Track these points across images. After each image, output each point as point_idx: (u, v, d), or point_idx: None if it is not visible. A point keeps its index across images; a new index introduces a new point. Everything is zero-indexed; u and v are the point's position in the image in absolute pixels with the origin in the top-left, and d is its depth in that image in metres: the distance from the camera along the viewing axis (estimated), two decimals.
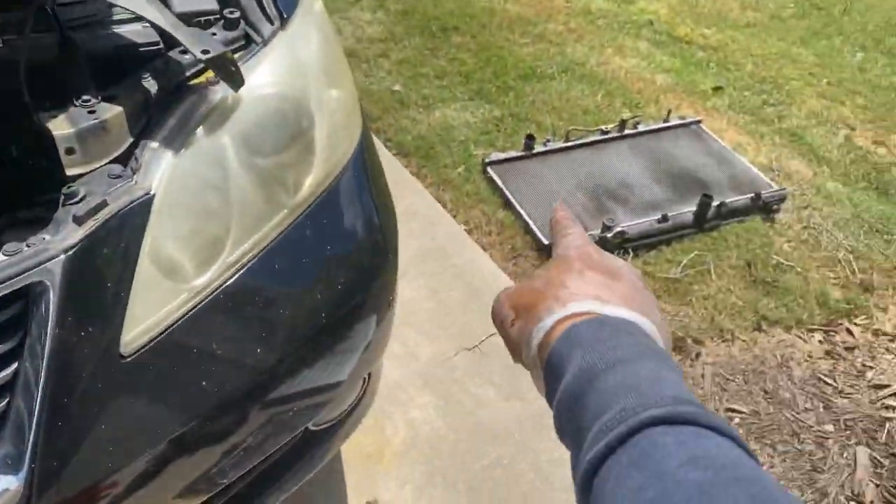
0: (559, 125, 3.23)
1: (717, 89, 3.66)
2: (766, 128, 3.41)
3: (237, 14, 1.13)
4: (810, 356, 2.32)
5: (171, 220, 0.95)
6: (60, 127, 0.92)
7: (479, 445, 1.94)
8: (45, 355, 0.80)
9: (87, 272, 0.85)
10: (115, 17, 1.16)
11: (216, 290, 0.98)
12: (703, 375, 2.23)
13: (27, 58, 1.03)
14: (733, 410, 2.13)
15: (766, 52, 4.05)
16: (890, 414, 2.15)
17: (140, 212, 0.91)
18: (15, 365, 0.80)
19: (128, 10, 1.05)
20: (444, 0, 4.18)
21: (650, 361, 0.47)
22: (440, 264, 2.49)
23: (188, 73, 1.04)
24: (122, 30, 1.14)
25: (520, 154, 2.98)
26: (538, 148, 3.00)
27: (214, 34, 1.10)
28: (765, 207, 2.84)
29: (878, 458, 2.03)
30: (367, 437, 1.91)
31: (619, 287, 0.54)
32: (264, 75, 1.08)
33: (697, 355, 2.29)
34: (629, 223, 2.64)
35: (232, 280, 1.00)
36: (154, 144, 0.95)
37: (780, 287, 2.52)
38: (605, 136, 3.11)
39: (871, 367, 2.30)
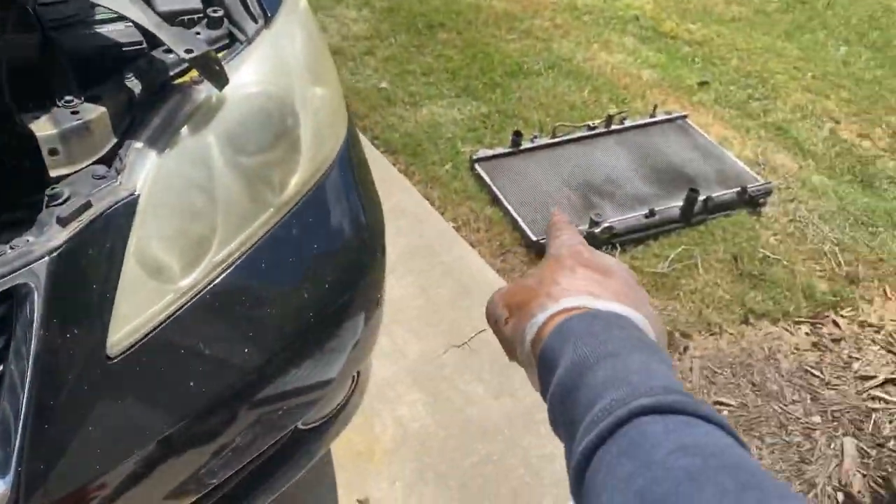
0: (546, 121, 3.24)
1: (702, 84, 3.68)
2: (751, 122, 3.43)
3: (221, 13, 1.12)
4: (797, 348, 2.34)
5: (157, 220, 0.94)
6: (43, 128, 0.91)
7: (468, 442, 1.94)
8: (31, 357, 0.80)
9: (71, 274, 0.84)
10: (98, 17, 1.15)
11: (203, 290, 0.98)
12: (691, 369, 2.24)
13: (9, 58, 1.02)
14: (721, 403, 2.14)
15: (751, 46, 4.07)
16: (876, 405, 2.17)
17: (125, 212, 0.90)
18: (0, 367, 0.80)
19: (110, 9, 1.04)
20: None
21: (641, 354, 0.47)
22: (428, 262, 2.50)
23: (172, 73, 1.04)
24: (105, 29, 1.13)
25: (507, 151, 2.98)
26: (525, 144, 3.01)
27: (198, 33, 1.09)
28: (751, 201, 2.86)
29: (865, 448, 2.05)
30: (357, 435, 1.91)
31: (610, 283, 0.55)
32: (249, 74, 1.08)
33: (685, 349, 2.30)
34: (616, 218, 2.65)
35: (218, 280, 0.99)
36: (138, 145, 0.95)
37: (767, 280, 2.54)
38: (592, 132, 3.12)
39: (857, 359, 2.32)
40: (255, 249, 1.04)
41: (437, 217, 2.70)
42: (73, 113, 0.93)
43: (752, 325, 2.40)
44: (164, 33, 0.97)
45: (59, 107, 0.94)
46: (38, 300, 0.80)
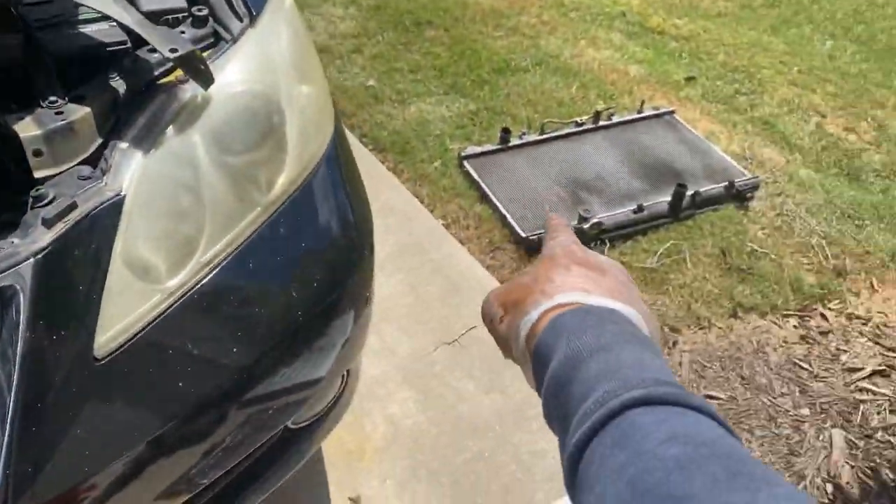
0: (534, 118, 3.24)
1: (689, 79, 3.69)
2: (738, 116, 3.45)
3: (206, 12, 1.12)
4: (786, 341, 2.35)
5: (143, 220, 0.94)
6: (27, 129, 0.91)
7: (460, 439, 1.95)
8: (17, 360, 0.79)
9: (57, 275, 0.84)
10: (82, 17, 1.14)
11: (190, 290, 0.98)
12: (680, 363, 2.25)
13: None
14: (711, 397, 2.15)
15: (737, 41, 4.09)
16: (864, 396, 2.19)
17: (111, 213, 0.90)
18: None
19: (94, 9, 1.03)
20: None
21: (633, 347, 0.47)
22: (418, 259, 2.50)
23: (157, 72, 1.03)
24: (89, 29, 1.12)
25: (496, 147, 2.98)
26: (514, 141, 3.01)
27: (183, 32, 1.09)
28: (738, 195, 2.87)
29: (853, 439, 2.06)
30: (347, 433, 1.91)
31: (604, 281, 0.55)
32: (234, 73, 1.07)
33: (675, 343, 2.31)
34: (605, 214, 2.66)
35: (206, 280, 0.99)
36: (123, 145, 0.95)
37: (755, 274, 2.55)
38: (580, 128, 3.13)
39: (845, 351, 2.33)
40: (243, 249, 1.03)
41: (427, 214, 2.70)
42: (57, 113, 0.92)
43: (741, 319, 2.41)
44: (149, 33, 0.96)
45: (43, 107, 0.93)
46: (23, 302, 0.80)
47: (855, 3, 4.65)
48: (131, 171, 0.93)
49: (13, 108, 0.95)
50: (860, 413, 2.13)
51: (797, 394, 2.19)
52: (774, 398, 2.17)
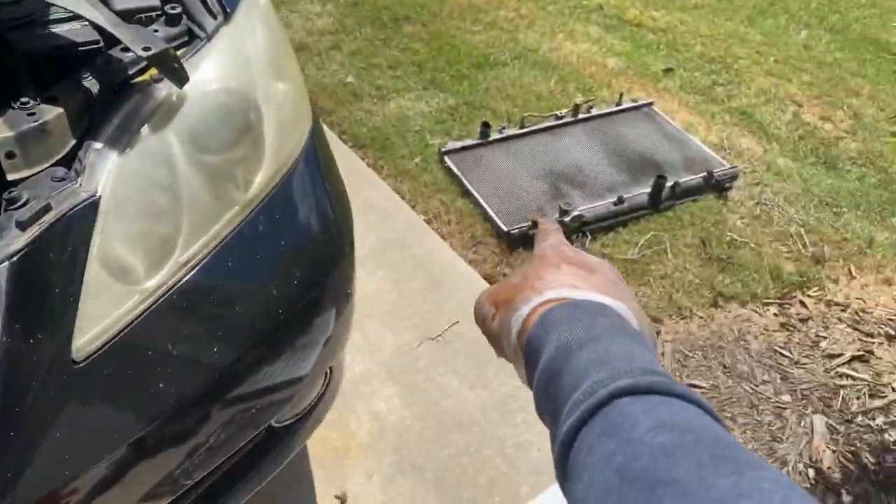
0: (514, 112, 3.25)
1: (667, 71, 3.71)
2: (716, 107, 3.47)
3: (179, 10, 1.11)
4: (766, 329, 2.37)
5: (120, 221, 0.93)
6: None
7: (445, 434, 1.95)
8: None
9: (33, 278, 0.83)
10: (53, 17, 1.13)
11: (169, 290, 0.97)
12: (662, 353, 2.27)
13: None
14: (694, 386, 2.17)
15: (714, 32, 4.11)
16: (844, 382, 2.22)
17: (86, 214, 0.89)
18: None
19: (66, 8, 1.02)
20: None
21: (623, 339, 0.48)
22: (400, 255, 2.49)
23: (131, 72, 1.02)
24: (61, 29, 1.11)
25: (476, 142, 2.99)
26: (494, 135, 3.01)
27: (156, 31, 1.08)
28: (717, 186, 2.89)
29: (834, 424, 2.09)
30: (332, 431, 1.91)
31: (594, 279, 0.56)
32: (209, 71, 1.07)
33: (657, 333, 2.32)
34: (586, 207, 2.67)
35: (185, 280, 0.99)
36: (98, 145, 0.94)
37: (735, 263, 2.58)
38: (560, 122, 3.14)
39: (824, 338, 2.36)
40: (222, 248, 1.03)
41: (408, 210, 2.70)
42: (29, 114, 0.91)
43: (722, 308, 2.43)
44: (121, 31, 0.95)
45: (14, 108, 0.92)
46: None
47: None
48: (106, 171, 0.92)
49: None
50: (840, 398, 2.16)
51: (778, 381, 2.21)
52: (756, 386, 2.19)
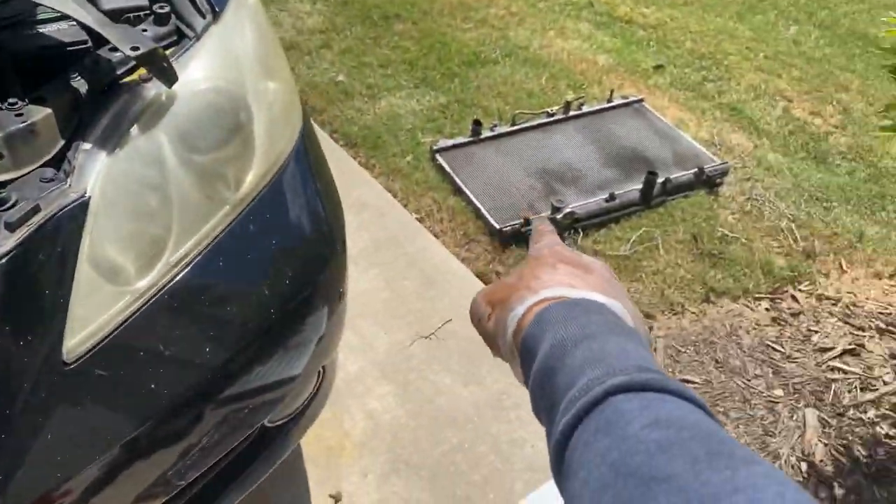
0: (505, 109, 3.25)
1: (657, 67, 3.72)
2: (706, 103, 3.48)
3: (167, 9, 1.11)
4: (758, 324, 2.38)
5: (110, 222, 0.93)
6: None
7: (439, 431, 1.95)
8: None
9: (22, 280, 0.83)
10: (41, 17, 1.12)
11: (160, 290, 0.97)
12: (655, 348, 2.27)
13: None
14: (686, 381, 2.18)
15: (703, 28, 4.12)
16: (835, 375, 2.23)
17: (76, 215, 0.89)
18: None
19: (53, 8, 1.02)
20: None
21: (618, 336, 0.48)
22: (392, 254, 2.49)
23: (119, 72, 1.02)
24: (49, 29, 1.11)
25: (468, 140, 2.99)
26: (485, 133, 3.02)
27: (145, 30, 1.07)
28: (708, 181, 2.90)
29: (826, 418, 2.10)
30: (327, 430, 1.91)
31: (590, 278, 0.56)
32: (198, 70, 1.06)
33: (649, 329, 2.33)
34: (578, 204, 2.67)
35: (176, 280, 0.98)
36: (87, 146, 0.93)
37: (727, 258, 2.58)
38: (551, 119, 3.14)
39: (815, 332, 2.37)
40: (213, 247, 1.03)
41: (400, 209, 2.70)
42: (17, 115, 0.90)
43: (714, 303, 2.44)
44: (110, 31, 0.95)
45: (2, 109, 0.91)
46: None
47: None
48: (96, 172, 0.92)
49: None
50: (832, 392, 2.17)
51: (770, 375, 2.22)
52: (748, 380, 2.20)
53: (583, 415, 0.43)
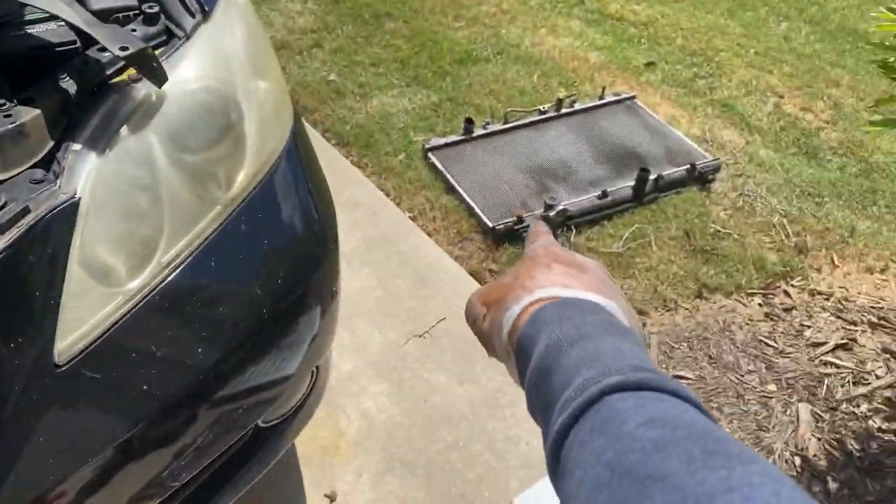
0: (497, 107, 3.25)
1: (649, 64, 3.72)
2: (698, 100, 3.49)
3: (156, 9, 1.10)
4: (751, 319, 2.39)
5: (100, 223, 0.92)
6: None
7: (434, 430, 1.95)
8: None
9: (12, 281, 0.82)
10: (28, 17, 1.12)
11: (152, 291, 0.96)
12: (649, 345, 2.28)
13: None
14: (680, 377, 2.18)
15: (694, 25, 4.13)
16: (828, 370, 2.23)
17: (66, 217, 0.88)
18: None
19: (41, 9, 1.01)
20: None
21: (613, 336, 0.48)
22: (385, 252, 2.49)
23: (108, 72, 1.01)
24: (37, 30, 1.10)
25: (460, 138, 2.98)
26: (478, 131, 3.02)
27: (134, 30, 1.07)
28: (700, 178, 2.91)
29: (819, 412, 2.11)
30: (321, 429, 1.91)
31: (585, 278, 0.56)
32: (189, 70, 1.06)
33: (643, 325, 2.33)
34: (570, 201, 2.68)
35: (168, 280, 0.98)
36: (76, 146, 0.93)
37: (719, 254, 2.59)
38: (543, 116, 3.14)
39: (808, 326, 2.38)
40: (204, 248, 1.02)
41: (393, 208, 2.69)
42: (5, 116, 0.90)
43: (707, 299, 2.45)
44: (98, 31, 0.94)
45: None
46: None
47: None
48: (86, 173, 0.91)
49: None
50: (825, 386, 2.18)
51: (763, 370, 2.23)
52: (742, 375, 2.21)
53: (578, 414, 0.43)
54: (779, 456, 1.99)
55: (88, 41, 1.03)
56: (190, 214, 1.01)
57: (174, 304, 0.99)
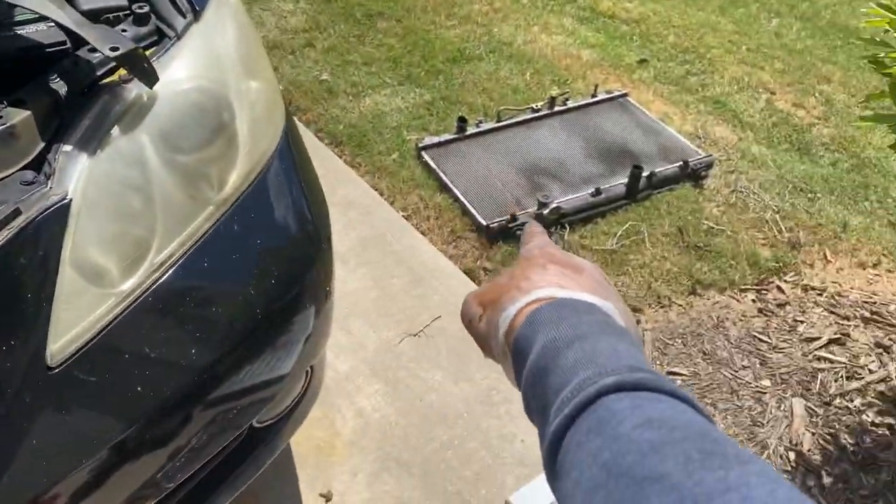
0: (490, 106, 3.25)
1: (641, 62, 3.73)
2: (690, 97, 3.49)
3: (147, 9, 1.10)
4: (744, 315, 2.40)
5: (93, 224, 0.92)
6: None
7: (429, 429, 1.95)
8: None
9: (4, 284, 0.82)
10: (18, 18, 1.11)
11: (145, 292, 0.96)
12: (643, 342, 2.28)
13: None
14: (674, 373, 2.19)
15: (686, 22, 4.14)
16: (821, 365, 2.24)
17: (57, 218, 0.88)
18: None
19: (31, 10, 1.01)
20: None
21: (609, 336, 0.48)
22: (380, 252, 2.49)
23: (99, 73, 1.01)
24: (26, 30, 1.09)
25: (453, 137, 2.98)
26: (471, 130, 3.02)
27: (124, 31, 1.07)
28: (693, 174, 2.91)
29: (813, 407, 2.11)
30: (317, 429, 1.91)
31: (580, 278, 0.56)
32: (180, 70, 1.06)
33: (637, 322, 2.34)
34: (564, 199, 2.68)
35: (161, 281, 0.98)
36: (67, 148, 0.92)
37: (712, 251, 2.60)
38: (536, 115, 3.14)
39: (801, 322, 2.39)
40: (197, 248, 1.02)
41: (387, 207, 2.69)
42: None
43: (700, 296, 2.45)
44: (88, 32, 0.94)
45: None
46: None
47: None
48: (77, 174, 0.91)
49: None
50: (819, 381, 2.19)
51: (757, 366, 2.23)
52: (736, 371, 2.21)
53: (575, 415, 0.43)
54: (773, 451, 1.99)
55: (79, 42, 1.02)
56: (182, 215, 1.01)
57: (167, 305, 0.99)
